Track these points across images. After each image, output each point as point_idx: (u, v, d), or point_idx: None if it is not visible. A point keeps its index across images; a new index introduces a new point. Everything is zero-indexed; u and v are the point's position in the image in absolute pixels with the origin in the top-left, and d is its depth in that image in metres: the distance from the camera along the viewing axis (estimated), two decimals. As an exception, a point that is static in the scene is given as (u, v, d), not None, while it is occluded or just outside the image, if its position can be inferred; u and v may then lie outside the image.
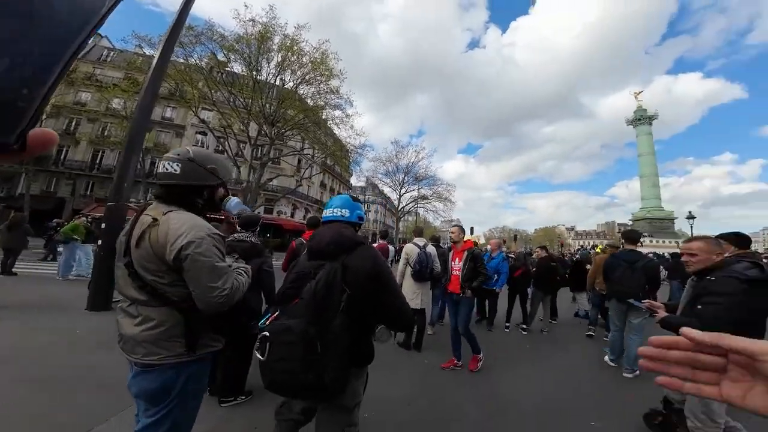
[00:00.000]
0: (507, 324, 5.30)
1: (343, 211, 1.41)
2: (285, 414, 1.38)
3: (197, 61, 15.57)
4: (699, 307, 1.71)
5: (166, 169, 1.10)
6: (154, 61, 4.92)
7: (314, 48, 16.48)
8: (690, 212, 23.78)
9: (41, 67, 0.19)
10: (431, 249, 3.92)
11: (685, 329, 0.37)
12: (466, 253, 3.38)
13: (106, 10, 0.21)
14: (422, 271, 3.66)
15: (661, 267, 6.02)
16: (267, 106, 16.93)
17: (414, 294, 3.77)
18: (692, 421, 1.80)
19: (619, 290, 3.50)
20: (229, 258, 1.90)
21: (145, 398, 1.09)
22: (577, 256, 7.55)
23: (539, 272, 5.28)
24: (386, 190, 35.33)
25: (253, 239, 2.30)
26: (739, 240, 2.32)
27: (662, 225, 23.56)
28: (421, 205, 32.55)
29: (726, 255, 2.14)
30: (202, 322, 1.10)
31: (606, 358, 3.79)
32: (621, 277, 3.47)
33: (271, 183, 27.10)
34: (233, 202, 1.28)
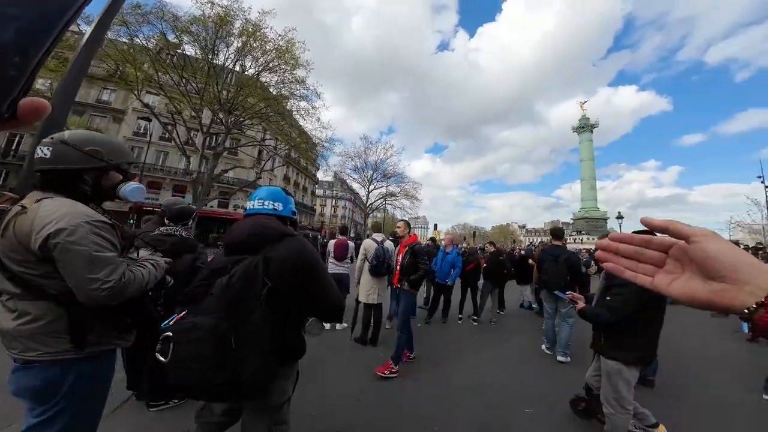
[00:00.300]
0: (460, 316, 5.61)
1: (276, 204, 1.35)
2: (206, 417, 1.30)
3: (144, 42, 13.90)
4: (608, 298, 1.93)
5: (37, 154, 1.02)
6: (87, 33, 4.24)
7: (279, 35, 15.66)
8: (619, 213, 27.18)
9: (33, 33, 0.18)
10: (389, 244, 3.97)
11: (644, 217, 0.42)
12: (407, 248, 3.47)
13: None
14: (379, 266, 3.70)
15: (593, 261, 6.81)
16: (224, 92, 15.71)
17: (371, 289, 3.80)
18: (606, 408, 1.98)
19: (546, 281, 3.94)
20: (145, 251, 1.74)
21: (28, 396, 1.02)
22: (522, 251, 8.22)
23: (489, 266, 5.67)
24: (355, 185, 35.28)
25: (183, 233, 2.14)
26: (554, 234, 2.69)
27: (597, 224, 26.63)
28: (389, 202, 33.10)
29: None
30: (92, 317, 1.03)
31: (543, 346, 4.19)
32: (548, 269, 3.92)
33: (226, 175, 25.35)
34: (129, 188, 1.14)
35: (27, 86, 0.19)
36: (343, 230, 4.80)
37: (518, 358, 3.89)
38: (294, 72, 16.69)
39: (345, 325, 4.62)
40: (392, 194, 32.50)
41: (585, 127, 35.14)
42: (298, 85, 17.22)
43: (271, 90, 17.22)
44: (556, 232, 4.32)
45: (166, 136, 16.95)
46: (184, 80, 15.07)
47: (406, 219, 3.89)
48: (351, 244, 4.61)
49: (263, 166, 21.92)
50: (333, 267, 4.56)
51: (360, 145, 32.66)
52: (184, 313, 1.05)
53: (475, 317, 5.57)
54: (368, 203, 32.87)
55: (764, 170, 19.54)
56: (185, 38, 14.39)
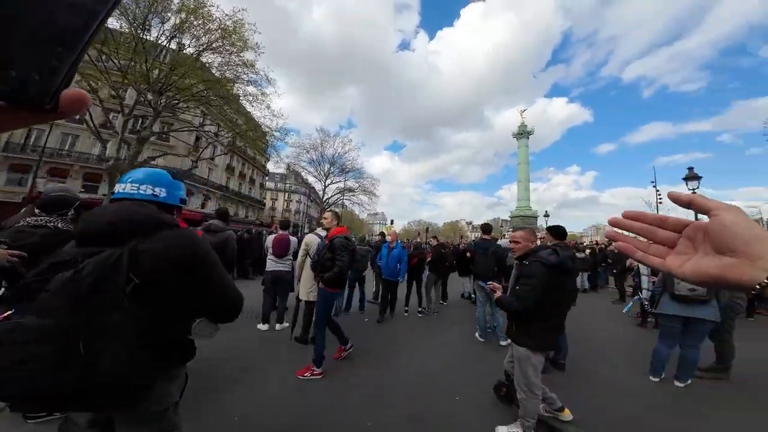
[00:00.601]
0: (406, 308, 5.75)
1: (157, 189, 1.13)
2: (71, 429, 1.06)
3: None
4: (518, 287, 2.07)
5: None
6: None
7: (227, 15, 14.12)
8: (546, 212, 31.07)
9: (75, 24, 0.19)
10: (338, 240, 3.83)
11: (671, 192, 0.40)
12: (327, 242, 3.19)
13: None
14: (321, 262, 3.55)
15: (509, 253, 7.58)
16: (154, 71, 13.66)
17: (313, 285, 3.63)
18: (519, 393, 2.10)
19: (477, 272, 4.27)
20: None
21: None
22: (464, 245, 8.75)
23: (433, 259, 5.91)
24: (310, 179, 33.90)
25: (59, 224, 1.75)
26: (555, 232, 2.98)
27: (530, 221, 29.78)
28: (347, 198, 32.51)
29: (548, 244, 2.76)
30: None
31: (476, 334, 4.50)
32: (479, 261, 4.26)
33: (154, 162, 22.28)
34: None
35: (69, 77, 0.19)
36: (284, 225, 4.51)
37: (456, 347, 4.10)
38: (241, 54, 15.30)
39: (285, 324, 4.39)
40: (350, 189, 32.04)
41: (523, 133, 38.78)
42: (245, 69, 15.84)
43: (213, 71, 15.51)
44: (485, 227, 4.86)
45: (77, 118, 14.15)
46: (104, 56, 12.72)
47: (335, 210, 3.68)
48: (294, 239, 4.36)
49: (200, 154, 19.70)
50: (272, 264, 4.27)
51: (316, 137, 31.38)
52: (9, 312, 0.81)
53: (420, 309, 5.77)
54: (325, 198, 31.93)
55: (657, 176, 24.04)
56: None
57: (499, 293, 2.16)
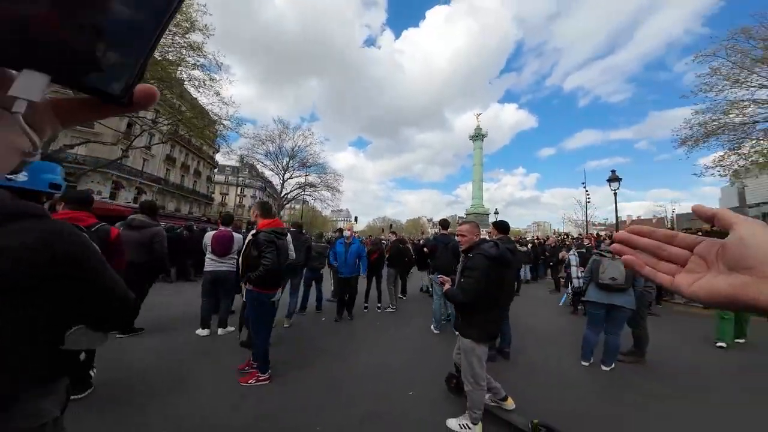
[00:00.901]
0: (366, 305, 5.68)
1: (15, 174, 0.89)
2: None
3: None
4: (462, 280, 2.10)
5: None
6: None
7: None
8: (496, 209, 33.72)
9: (148, 21, 0.20)
10: (263, 235, 3.57)
11: (695, 205, 0.37)
12: (251, 237, 2.80)
13: None
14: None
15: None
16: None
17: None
18: (466, 385, 2.14)
19: (436, 266, 4.39)
20: None
21: None
22: (422, 241, 8.97)
23: (391, 254, 5.92)
24: (267, 173, 31.72)
25: None
26: (499, 227, 3.15)
27: (482, 218, 31.95)
28: (308, 193, 31.03)
29: (493, 238, 2.89)
30: None
31: (431, 326, 4.60)
32: (438, 255, 4.38)
33: (72, 151, 19.03)
34: None
35: (141, 72, 0.21)
36: (227, 220, 4.07)
37: (414, 342, 4.13)
38: (187, 36, 13.70)
39: (231, 328, 4.02)
40: (312, 185, 30.61)
41: (478, 136, 41.20)
42: (191, 52, 14.23)
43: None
44: (443, 223, 5.09)
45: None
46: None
47: (264, 201, 3.16)
48: (238, 236, 3.97)
49: (132, 142, 17.30)
50: (212, 264, 3.85)
51: (274, 128, 29.34)
52: None
53: (379, 305, 5.74)
54: (283, 193, 30.13)
55: (587, 178, 27.56)
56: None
57: (447, 286, 2.18)
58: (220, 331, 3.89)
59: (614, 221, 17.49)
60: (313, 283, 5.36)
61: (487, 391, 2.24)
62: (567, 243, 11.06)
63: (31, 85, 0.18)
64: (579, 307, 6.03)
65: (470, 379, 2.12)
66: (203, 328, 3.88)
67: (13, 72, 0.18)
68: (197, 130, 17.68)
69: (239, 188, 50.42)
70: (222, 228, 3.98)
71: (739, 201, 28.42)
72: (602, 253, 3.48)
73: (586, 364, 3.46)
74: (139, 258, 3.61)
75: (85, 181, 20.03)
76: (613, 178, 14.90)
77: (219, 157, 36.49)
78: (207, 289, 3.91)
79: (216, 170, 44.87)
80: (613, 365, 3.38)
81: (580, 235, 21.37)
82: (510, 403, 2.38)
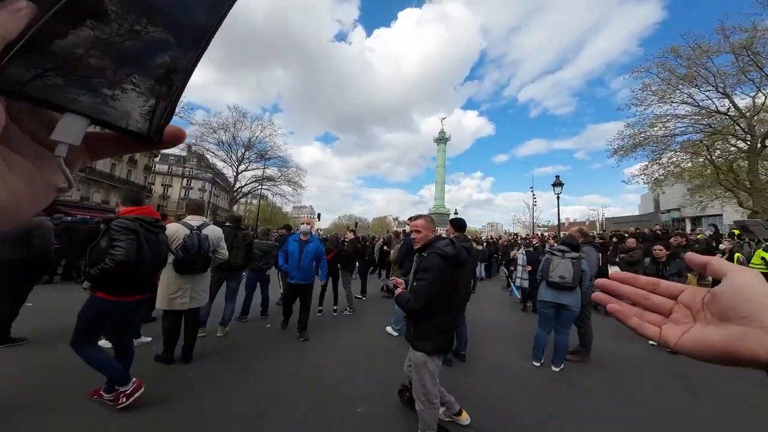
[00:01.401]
0: (320, 308, 5.21)
1: None
2: None
3: None
4: (415, 283, 1.82)
5: None
6: None
7: None
8: (456, 210, 35.27)
9: (178, 67, 0.21)
10: (213, 230, 3.00)
11: (689, 254, 0.37)
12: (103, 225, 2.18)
13: (227, 8, 0.22)
14: (188, 260, 2.69)
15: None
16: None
17: (178, 290, 2.74)
18: (417, 404, 1.89)
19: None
20: None
21: None
22: (381, 239, 8.75)
23: (347, 253, 5.51)
24: (219, 164, 28.87)
25: None
26: (456, 224, 3.00)
27: (443, 219, 33.06)
28: (266, 187, 28.81)
29: (451, 236, 2.68)
30: None
31: (388, 328, 4.33)
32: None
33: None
34: None
35: (171, 112, 0.22)
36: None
37: (367, 348, 3.79)
38: None
39: (147, 339, 3.33)
40: (270, 179, 28.53)
41: (442, 139, 42.49)
42: None
43: None
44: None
45: None
46: None
47: (132, 189, 2.50)
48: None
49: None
50: None
51: (228, 116, 26.81)
52: None
53: (335, 308, 5.32)
54: (237, 186, 27.64)
55: (534, 183, 29.99)
56: None
57: (400, 289, 1.89)
58: (135, 342, 3.14)
59: (556, 223, 19.10)
60: (258, 285, 4.76)
61: (440, 406, 2.00)
62: (518, 242, 11.70)
63: (71, 129, 0.19)
64: (528, 304, 6.28)
65: (422, 397, 1.86)
66: (106, 339, 3.11)
67: (57, 114, 0.19)
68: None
69: (185, 180, 45.52)
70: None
71: (654, 207, 33.18)
72: (553, 251, 3.51)
73: (537, 364, 3.46)
74: (11, 254, 2.77)
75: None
76: (557, 183, 16.24)
77: (161, 144, 32.37)
78: None
79: (158, 159, 39.97)
80: (562, 365, 3.42)
81: (527, 235, 23.13)
82: (464, 418, 2.17)
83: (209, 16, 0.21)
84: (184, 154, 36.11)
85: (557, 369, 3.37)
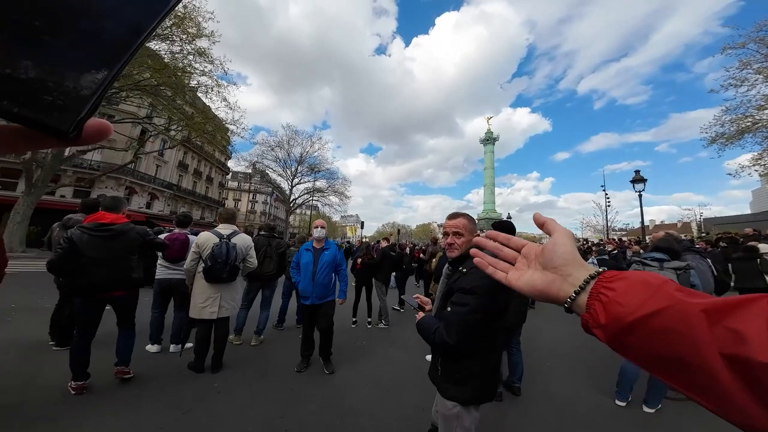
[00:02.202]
0: (354, 320, 5.01)
1: None
2: None
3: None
4: (449, 308, 1.27)
5: None
6: None
7: (182, 2, 12.82)
8: (509, 214, 32.34)
9: (106, 55, 0.18)
10: (242, 239, 3.00)
11: (536, 213, 0.49)
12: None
13: (167, 10, 0.19)
14: (216, 269, 2.70)
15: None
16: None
17: (207, 299, 2.77)
18: None
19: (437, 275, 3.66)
20: None
21: None
22: (419, 246, 8.22)
23: (379, 262, 5.16)
24: (277, 179, 32.23)
25: None
26: (502, 228, 2.32)
27: (495, 224, 31.09)
28: (317, 198, 31.36)
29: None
30: None
31: (428, 356, 3.87)
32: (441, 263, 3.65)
33: (84, 157, 19.58)
34: None
35: (95, 106, 0.19)
36: (183, 222, 3.52)
37: (397, 370, 3.37)
38: (194, 42, 13.92)
39: (189, 345, 3.46)
40: (320, 190, 30.88)
41: (489, 139, 40.14)
42: (199, 58, 14.41)
43: (163, 59, 13.90)
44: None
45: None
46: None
47: (108, 194, 2.82)
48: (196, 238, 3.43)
49: (139, 148, 17.53)
50: (163, 271, 3.32)
51: (282, 135, 29.90)
52: None
53: (369, 320, 5.05)
54: (292, 198, 30.46)
55: (605, 182, 25.92)
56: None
57: (421, 313, 1.44)
58: (172, 347, 3.32)
59: (637, 226, 16.09)
60: (294, 293, 4.75)
61: None
62: (591, 249, 10.04)
63: None
64: None
65: None
66: (153, 343, 3.33)
67: None
68: (208, 135, 17.82)
69: (251, 194, 51.14)
70: (176, 230, 3.45)
71: (777, 204, 25.92)
72: (645, 260, 2.69)
73: (623, 403, 2.66)
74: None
75: (99, 186, 20.52)
76: (638, 179, 13.70)
77: (231, 164, 37.19)
78: (157, 300, 3.38)
79: (229, 177, 45.65)
80: (659, 405, 2.58)
81: (600, 240, 20.00)
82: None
83: (142, 22, 0.18)
84: (249, 171, 40.71)
85: (651, 410, 2.55)
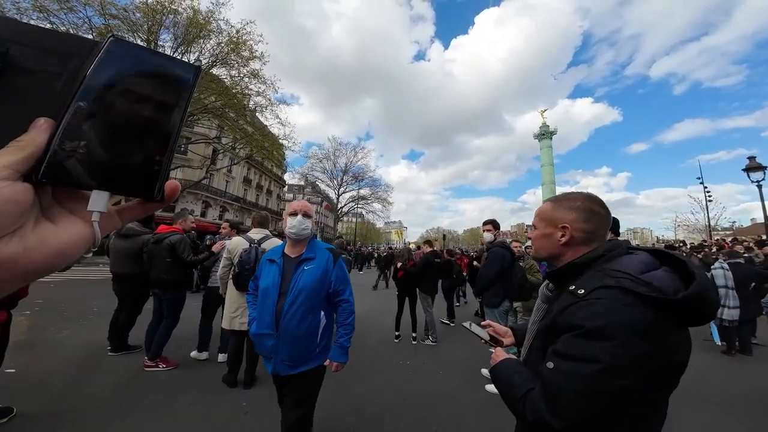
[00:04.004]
0: (397, 333, 4.56)
1: None
2: None
3: (62, 27, 11.97)
4: (549, 364, 0.67)
5: None
6: None
7: (235, 28, 14.68)
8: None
9: (165, 140, 0.26)
10: (273, 244, 2.83)
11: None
12: None
13: (194, 82, 0.28)
14: (244, 276, 2.54)
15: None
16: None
17: (238, 309, 2.63)
18: None
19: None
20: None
21: None
22: (473, 253, 7.32)
23: (421, 270, 4.56)
24: (325, 189, 34.35)
25: None
26: (614, 224, 1.79)
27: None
28: (361, 206, 32.51)
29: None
30: None
31: (484, 370, 3.24)
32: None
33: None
34: None
35: (167, 174, 0.27)
36: (237, 226, 3.54)
37: (448, 395, 2.84)
38: (248, 64, 15.49)
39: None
40: (363, 198, 31.90)
41: (545, 134, 36.62)
42: (253, 79, 15.95)
43: (224, 82, 15.74)
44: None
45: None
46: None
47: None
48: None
49: (209, 165, 19.87)
50: (213, 279, 3.35)
51: (329, 147, 31.74)
52: None
53: (414, 335, 4.55)
54: (339, 207, 31.92)
55: (702, 174, 21.06)
56: (116, 24, 12.79)
57: (500, 352, 0.90)
58: (220, 356, 3.28)
59: (745, 225, 12.65)
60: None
61: None
62: (709, 252, 8.01)
63: (99, 201, 0.24)
64: (735, 344, 4.20)
65: None
66: (200, 351, 3.35)
67: (88, 192, 0.24)
68: (267, 152, 19.52)
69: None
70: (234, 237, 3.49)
71: None
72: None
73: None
74: (131, 269, 3.30)
75: (182, 201, 23.85)
76: (754, 167, 10.81)
77: (287, 177, 40.36)
78: (204, 307, 3.45)
79: (285, 189, 49.52)
80: None
81: (704, 241, 16.27)
82: None
83: (181, 97, 0.27)
84: (302, 183, 43.69)
85: None
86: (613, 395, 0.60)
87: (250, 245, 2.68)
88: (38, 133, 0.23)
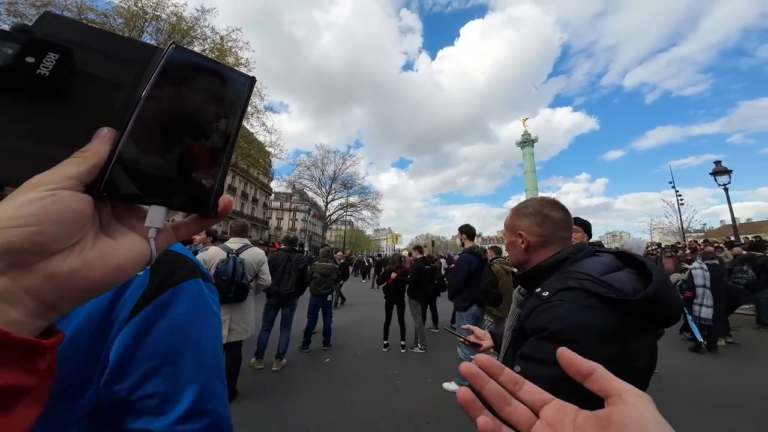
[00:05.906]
0: (386, 342, 4.48)
1: None
2: None
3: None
4: (516, 368, 0.63)
5: None
6: None
7: (220, 35, 14.48)
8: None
9: (222, 158, 0.26)
10: (252, 254, 2.74)
11: (561, 350, 0.28)
12: None
13: (248, 93, 0.27)
14: (221, 288, 2.43)
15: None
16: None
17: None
18: None
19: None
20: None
21: None
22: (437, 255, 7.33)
23: (412, 277, 4.54)
24: (314, 197, 33.82)
25: None
26: (586, 226, 1.84)
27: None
28: (350, 213, 32.17)
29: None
30: None
31: (450, 383, 3.17)
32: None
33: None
34: None
35: (221, 190, 0.26)
36: (210, 234, 3.43)
37: (435, 404, 2.80)
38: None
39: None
40: (352, 205, 31.61)
41: (527, 141, 37.92)
42: None
43: None
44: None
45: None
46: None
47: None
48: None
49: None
50: None
51: (316, 154, 31.41)
52: None
53: (403, 342, 4.48)
54: (327, 214, 31.52)
55: (674, 178, 22.27)
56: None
57: (482, 357, 1.22)
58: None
59: (715, 226, 13.43)
60: (320, 311, 4.41)
61: None
62: (683, 254, 8.38)
63: (156, 216, 0.23)
64: (703, 342, 4.28)
65: None
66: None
67: (145, 208, 0.24)
68: (252, 159, 19.17)
69: (291, 213, 53.90)
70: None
71: None
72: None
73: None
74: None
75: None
76: (720, 171, 11.50)
77: (273, 185, 39.72)
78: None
79: (272, 197, 48.76)
80: None
81: (677, 243, 17.06)
82: None
83: (237, 109, 0.27)
84: (290, 191, 43.14)
85: None
86: (576, 398, 0.58)
87: (227, 255, 2.57)
88: (102, 143, 0.22)
